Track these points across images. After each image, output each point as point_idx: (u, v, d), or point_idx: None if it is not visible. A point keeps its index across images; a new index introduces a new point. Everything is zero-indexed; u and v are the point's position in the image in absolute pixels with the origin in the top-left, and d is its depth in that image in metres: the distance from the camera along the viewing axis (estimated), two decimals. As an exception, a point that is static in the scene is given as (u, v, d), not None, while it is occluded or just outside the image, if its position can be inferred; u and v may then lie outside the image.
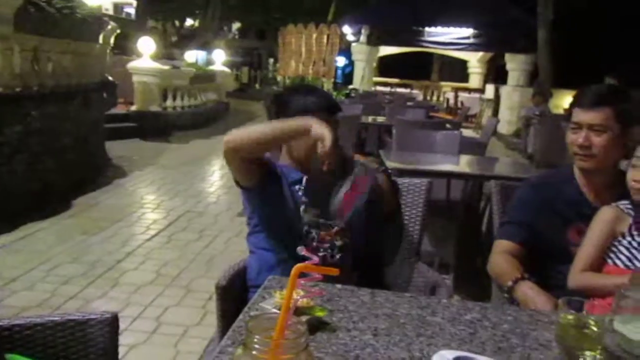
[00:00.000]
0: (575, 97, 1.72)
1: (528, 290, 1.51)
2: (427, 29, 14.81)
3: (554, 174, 1.89)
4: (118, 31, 7.67)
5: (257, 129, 1.60)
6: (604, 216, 1.58)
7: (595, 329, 1.01)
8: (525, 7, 13.86)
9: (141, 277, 3.55)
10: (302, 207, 1.67)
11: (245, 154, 1.60)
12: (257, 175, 1.67)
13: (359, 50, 15.93)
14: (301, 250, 0.86)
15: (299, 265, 0.73)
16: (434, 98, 17.94)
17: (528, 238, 1.74)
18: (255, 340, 0.66)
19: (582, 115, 1.66)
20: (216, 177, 7.17)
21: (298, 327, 0.69)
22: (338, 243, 1.68)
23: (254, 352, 0.66)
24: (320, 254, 1.61)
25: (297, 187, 1.71)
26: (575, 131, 1.68)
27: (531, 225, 1.75)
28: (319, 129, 1.49)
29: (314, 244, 1.65)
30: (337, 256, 1.65)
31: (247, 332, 0.67)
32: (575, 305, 1.04)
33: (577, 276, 1.57)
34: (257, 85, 24.47)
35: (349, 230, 1.73)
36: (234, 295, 1.66)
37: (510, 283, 1.56)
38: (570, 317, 1.02)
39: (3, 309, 2.97)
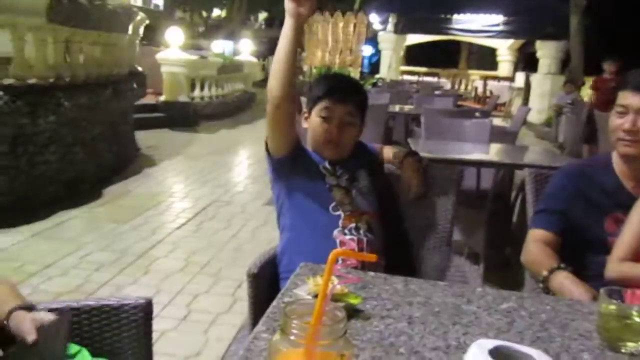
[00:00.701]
0: (622, 80, 1.66)
1: (564, 280, 1.47)
2: (455, 16, 14.58)
3: (590, 162, 1.84)
4: (147, 22, 7.73)
5: (275, 63, 1.61)
6: None
7: (638, 319, 0.98)
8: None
9: (171, 264, 3.60)
10: (327, 185, 1.73)
11: (289, 92, 1.59)
12: (290, 143, 1.71)
13: (386, 39, 15.79)
14: (338, 236, 0.85)
15: (336, 250, 0.72)
16: (462, 87, 17.69)
17: (563, 227, 1.70)
18: (293, 325, 0.65)
19: (630, 99, 1.59)
20: (243, 166, 7.21)
21: (336, 313, 0.68)
22: (362, 225, 1.68)
23: (291, 337, 0.66)
24: (349, 237, 1.63)
25: (322, 166, 1.76)
26: (621, 115, 1.61)
27: (566, 214, 1.71)
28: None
29: (340, 222, 1.67)
30: (366, 238, 1.66)
31: (285, 317, 0.67)
32: (616, 295, 1.01)
33: (616, 266, 1.52)
34: (283, 75, 24.44)
35: (375, 213, 1.77)
36: (265, 283, 1.67)
37: (545, 273, 1.53)
38: (612, 307, 0.99)
39: (38, 294, 3.04)
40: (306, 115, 1.83)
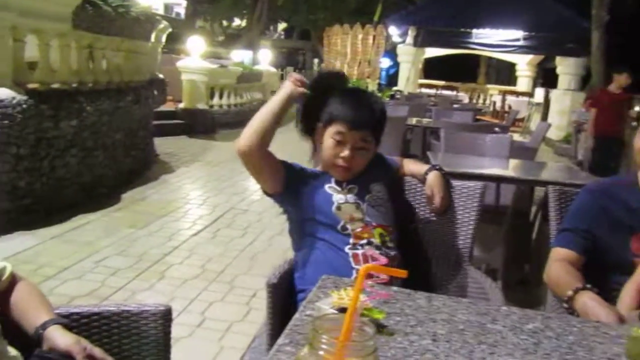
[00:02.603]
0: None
1: (589, 301, 1.44)
2: (475, 30, 14.52)
3: (615, 181, 1.81)
4: (169, 30, 7.82)
5: (254, 118, 1.67)
6: None
7: (670, 345, 0.95)
8: (579, 9, 13.42)
9: (187, 271, 3.61)
10: (334, 205, 1.69)
11: (257, 149, 1.63)
12: (279, 179, 1.70)
13: (405, 52, 15.79)
14: (369, 251, 0.84)
15: (367, 265, 0.71)
16: (480, 101, 17.62)
17: (587, 247, 1.67)
18: (322, 340, 0.64)
19: None
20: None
21: (366, 330, 0.67)
22: (375, 239, 1.66)
23: (320, 352, 0.65)
24: (378, 252, 1.61)
25: (328, 186, 1.73)
26: None
27: (590, 233, 1.68)
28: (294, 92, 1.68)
29: (350, 240, 1.65)
30: (378, 252, 1.63)
31: (313, 331, 0.66)
32: (647, 319, 0.99)
33: None
34: (300, 85, 24.56)
35: (389, 226, 1.73)
36: (283, 293, 1.66)
37: (570, 292, 1.50)
38: (642, 331, 0.97)
39: (54, 297, 3.06)
40: (321, 127, 1.77)
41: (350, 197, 1.72)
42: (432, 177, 1.89)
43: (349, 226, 1.66)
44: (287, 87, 1.68)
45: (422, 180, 1.91)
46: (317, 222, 1.69)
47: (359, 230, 1.66)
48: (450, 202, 1.91)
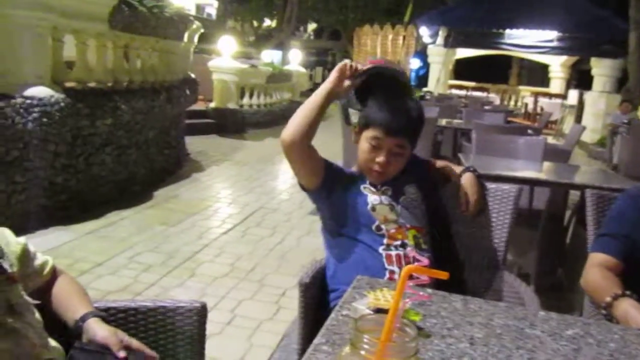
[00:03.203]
0: None
1: (630, 309, 1.41)
2: (507, 31, 14.31)
3: (657, 186, 1.76)
4: (202, 31, 7.91)
5: (297, 112, 1.67)
6: None
7: None
8: (615, 9, 13.10)
9: (217, 269, 3.65)
10: (369, 206, 1.70)
11: (300, 142, 1.63)
12: (319, 175, 1.71)
13: (436, 53, 15.65)
14: (411, 252, 0.83)
15: (409, 266, 0.70)
16: (512, 102, 17.35)
17: (627, 252, 1.63)
18: (365, 340, 0.64)
19: None
20: (289, 175, 7.24)
21: (407, 331, 0.67)
22: (409, 241, 1.65)
23: (362, 352, 0.65)
24: (419, 254, 1.60)
25: (364, 186, 1.74)
26: None
27: (630, 238, 1.64)
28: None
29: (384, 241, 1.65)
30: (412, 254, 1.62)
31: (355, 331, 0.66)
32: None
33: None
34: (329, 86, 24.56)
35: (422, 228, 1.73)
36: (314, 293, 1.66)
37: (608, 299, 1.46)
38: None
39: (89, 291, 3.09)
40: (356, 129, 1.78)
41: (385, 199, 1.72)
42: (467, 179, 1.86)
43: (383, 226, 1.67)
44: (329, 83, 1.67)
45: (457, 181, 1.89)
46: (351, 222, 1.70)
47: (393, 231, 1.66)
48: (484, 204, 1.89)
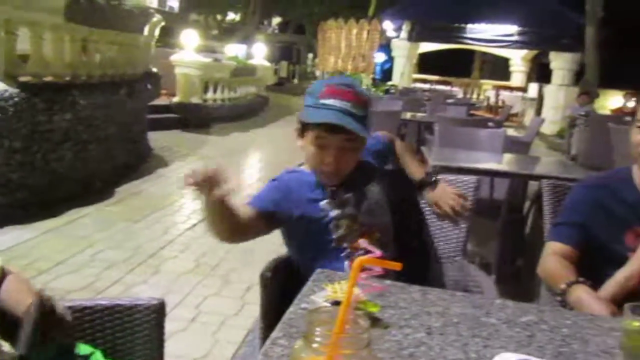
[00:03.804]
0: None
1: (583, 295, 1.45)
2: (469, 25, 14.53)
3: (610, 175, 1.81)
4: (163, 24, 7.78)
5: (208, 225, 1.52)
6: None
7: (662, 337, 0.96)
8: (573, 4, 13.45)
9: (181, 265, 3.60)
10: (331, 223, 1.58)
11: (233, 238, 1.59)
12: (275, 221, 1.61)
13: (399, 46, 15.78)
14: (363, 243, 0.83)
15: (361, 258, 0.70)
16: (474, 96, 17.63)
17: (582, 240, 1.67)
18: (317, 333, 0.64)
19: None
20: (255, 169, 7.22)
21: (360, 323, 0.67)
22: (373, 243, 1.56)
23: (314, 345, 0.65)
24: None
25: (323, 203, 1.60)
26: None
27: (585, 227, 1.68)
28: None
29: (348, 251, 1.57)
30: (388, 252, 1.58)
31: (308, 325, 0.66)
32: (640, 312, 0.99)
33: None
34: (295, 80, 24.55)
35: (387, 226, 1.67)
36: (277, 287, 1.66)
37: (563, 286, 1.50)
38: (636, 323, 0.97)
39: (49, 291, 3.03)
40: (299, 133, 1.61)
41: (347, 210, 1.60)
42: (440, 190, 1.80)
43: (347, 239, 1.58)
44: (203, 204, 1.43)
45: (419, 188, 1.84)
46: (314, 240, 1.61)
47: (357, 241, 1.54)
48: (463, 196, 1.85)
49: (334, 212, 1.59)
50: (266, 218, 1.57)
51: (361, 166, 1.67)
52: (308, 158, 1.62)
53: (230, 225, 1.49)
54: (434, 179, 1.83)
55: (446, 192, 1.81)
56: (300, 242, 1.67)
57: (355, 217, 1.60)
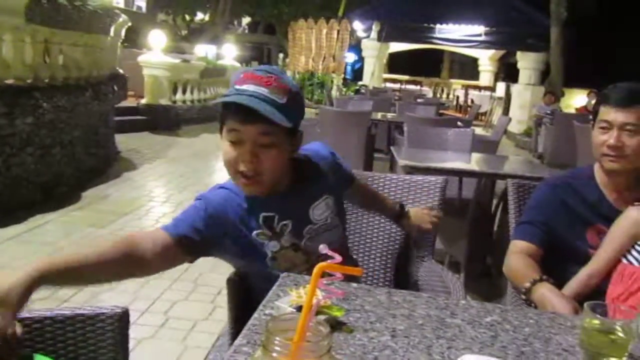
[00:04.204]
0: (602, 96, 1.66)
1: (546, 292, 1.47)
2: (438, 25, 14.74)
3: (572, 174, 1.85)
4: (129, 24, 7.66)
5: None
6: (630, 215, 1.54)
7: (621, 334, 0.98)
8: (538, 5, 13.75)
9: (150, 270, 3.54)
10: (268, 257, 1.37)
11: (141, 273, 1.35)
12: (193, 252, 1.36)
13: (369, 47, 15.88)
14: (324, 249, 0.82)
15: (321, 264, 0.70)
16: (444, 95, 17.86)
17: (545, 239, 1.70)
18: (276, 342, 0.63)
19: (613, 114, 1.59)
20: (225, 171, 7.13)
21: (320, 329, 0.66)
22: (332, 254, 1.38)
23: (273, 354, 0.64)
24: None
25: (256, 233, 1.36)
26: (605, 131, 1.62)
27: (549, 225, 1.71)
28: None
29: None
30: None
31: (267, 333, 0.65)
32: (600, 310, 1.01)
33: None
34: (265, 81, 24.40)
35: (340, 240, 1.52)
36: (245, 290, 1.64)
37: (527, 284, 1.53)
38: (595, 322, 0.99)
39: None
40: (220, 130, 1.38)
41: (286, 240, 1.36)
42: (414, 214, 1.81)
43: (293, 271, 1.33)
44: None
45: (397, 220, 1.84)
46: (255, 269, 1.42)
47: (305, 272, 1.35)
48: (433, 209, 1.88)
49: (271, 244, 1.36)
50: (185, 246, 1.31)
51: (302, 174, 1.44)
52: (224, 161, 1.36)
53: (112, 270, 1.25)
54: (404, 207, 1.83)
55: (420, 214, 1.83)
56: (241, 269, 1.49)
57: (297, 246, 1.38)
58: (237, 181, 1.35)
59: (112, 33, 6.86)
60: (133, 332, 1.40)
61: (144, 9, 22.41)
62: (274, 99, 1.27)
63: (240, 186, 1.36)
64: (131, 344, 1.40)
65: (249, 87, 1.28)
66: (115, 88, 6.61)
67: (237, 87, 1.30)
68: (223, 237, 1.35)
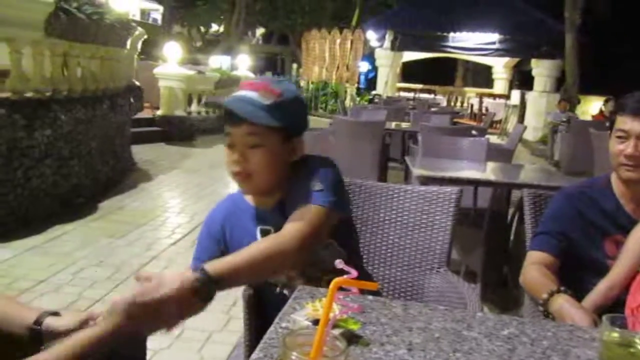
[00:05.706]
0: (618, 104, 1.65)
1: (565, 304, 1.45)
2: (451, 34, 14.71)
3: (589, 184, 1.83)
4: (145, 37, 7.76)
5: None
6: None
7: (641, 347, 0.96)
8: (552, 11, 13.68)
9: (166, 281, 3.56)
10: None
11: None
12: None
13: (383, 56, 15.89)
14: (340, 264, 0.83)
15: (337, 279, 0.70)
16: (458, 104, 17.79)
17: (562, 249, 1.68)
18: (293, 357, 0.64)
19: (630, 123, 1.58)
20: (240, 181, 7.17)
21: (337, 344, 0.66)
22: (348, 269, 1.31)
23: (291, 370, 0.64)
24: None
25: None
26: (622, 140, 1.60)
27: (566, 236, 1.69)
28: None
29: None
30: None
31: (284, 347, 0.65)
32: (619, 322, 1.00)
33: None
34: (279, 91, 24.54)
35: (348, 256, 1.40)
36: (260, 302, 1.64)
37: (545, 296, 1.51)
38: (615, 334, 0.98)
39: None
40: None
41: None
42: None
43: (290, 285, 1.35)
44: None
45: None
46: (261, 285, 1.46)
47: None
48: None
49: None
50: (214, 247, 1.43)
51: (298, 187, 1.37)
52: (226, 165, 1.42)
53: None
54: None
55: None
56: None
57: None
58: (235, 181, 1.42)
59: (128, 46, 6.97)
60: (149, 343, 1.41)
61: (159, 22, 22.70)
62: (260, 101, 1.32)
63: (238, 186, 1.44)
64: (148, 355, 1.41)
65: (240, 93, 1.36)
66: (132, 100, 6.70)
67: (234, 94, 1.38)
68: (228, 248, 1.44)
